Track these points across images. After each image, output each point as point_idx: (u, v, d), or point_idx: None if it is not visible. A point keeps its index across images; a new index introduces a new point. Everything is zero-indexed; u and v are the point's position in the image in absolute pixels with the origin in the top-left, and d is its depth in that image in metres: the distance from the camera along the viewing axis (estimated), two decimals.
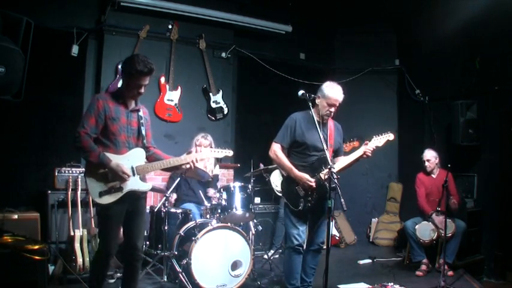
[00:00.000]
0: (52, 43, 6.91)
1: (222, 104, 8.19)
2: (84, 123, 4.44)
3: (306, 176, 5.18)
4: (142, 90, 4.63)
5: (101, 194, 4.46)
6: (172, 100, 7.75)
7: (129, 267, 4.75)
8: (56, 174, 6.40)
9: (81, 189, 6.31)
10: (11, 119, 6.64)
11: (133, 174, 4.59)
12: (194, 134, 7.01)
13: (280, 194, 7.41)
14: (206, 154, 5.02)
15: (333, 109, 5.28)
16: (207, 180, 6.58)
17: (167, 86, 7.74)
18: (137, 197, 4.66)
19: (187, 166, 4.78)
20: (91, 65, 7.33)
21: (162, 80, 7.73)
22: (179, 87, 7.82)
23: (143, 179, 4.68)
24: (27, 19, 5.16)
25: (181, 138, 7.63)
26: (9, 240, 4.80)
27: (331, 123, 5.46)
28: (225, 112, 8.22)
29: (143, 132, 4.70)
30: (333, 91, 5.28)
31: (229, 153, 5.14)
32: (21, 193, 6.64)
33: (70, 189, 6.27)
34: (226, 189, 6.13)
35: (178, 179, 6.13)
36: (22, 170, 6.73)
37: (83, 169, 5.19)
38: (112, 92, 4.80)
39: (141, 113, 4.73)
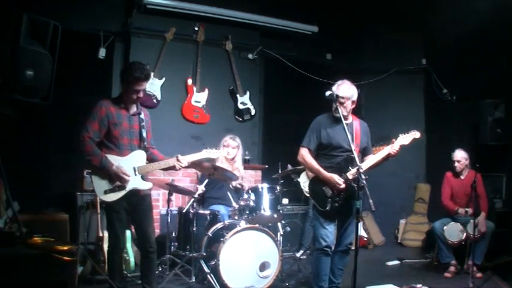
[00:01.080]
0: (79, 46, 6.95)
1: (249, 105, 8.16)
2: (88, 127, 4.67)
3: (334, 177, 5.12)
4: (141, 94, 4.83)
5: (105, 192, 4.70)
6: (199, 101, 7.74)
7: (145, 259, 4.96)
8: (84, 176, 6.45)
9: None
10: (40, 121, 6.70)
11: (135, 174, 4.80)
12: (221, 136, 7.02)
13: (308, 195, 7.35)
14: (196, 156, 5.19)
15: (343, 106, 5.18)
16: (237, 187, 6.66)
17: (194, 88, 7.74)
18: (141, 195, 4.87)
19: (178, 167, 4.99)
20: (118, 67, 7.34)
21: (189, 81, 7.74)
22: (206, 89, 7.81)
23: (145, 179, 4.88)
24: (55, 23, 5.18)
25: (208, 140, 7.58)
26: (39, 241, 4.78)
27: (356, 122, 5.39)
28: (252, 113, 8.18)
29: (144, 134, 4.88)
30: (337, 88, 5.23)
31: (223, 153, 5.55)
32: (50, 195, 6.69)
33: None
34: (254, 190, 6.13)
35: (207, 180, 6.06)
36: (51, 172, 6.79)
37: None
38: (114, 98, 5.03)
39: (142, 116, 4.92)
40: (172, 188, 6.19)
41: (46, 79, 5.12)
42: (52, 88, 5.15)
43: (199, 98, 7.76)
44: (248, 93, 8.18)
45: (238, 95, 8.09)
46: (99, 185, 4.69)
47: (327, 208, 5.16)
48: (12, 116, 5.65)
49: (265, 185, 6.15)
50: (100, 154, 4.65)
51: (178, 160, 4.98)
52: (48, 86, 5.18)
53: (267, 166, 7.98)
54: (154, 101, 7.45)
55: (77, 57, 6.96)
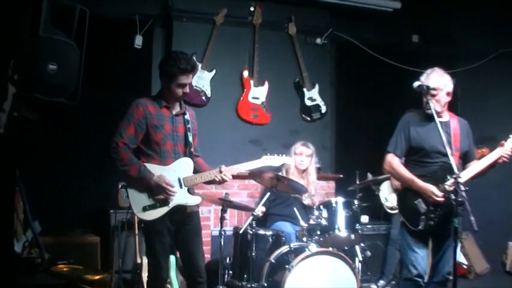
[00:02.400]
0: (111, 34, 7.01)
1: (319, 100, 8.09)
2: (122, 132, 4.68)
3: (430, 188, 4.93)
4: (187, 89, 4.86)
5: (145, 209, 4.66)
6: (258, 98, 7.73)
7: None
8: (120, 189, 6.45)
9: None
10: (65, 125, 6.78)
11: (181, 187, 4.79)
12: (286, 139, 7.10)
13: (390, 211, 7.35)
14: (252, 165, 5.14)
15: (435, 99, 5.04)
16: (309, 205, 6.63)
17: (251, 82, 7.72)
18: (188, 213, 4.86)
19: (218, 180, 4.94)
20: (158, 58, 7.27)
21: (245, 74, 7.73)
22: (266, 82, 7.80)
23: (192, 192, 4.88)
24: (81, 7, 5.14)
25: (270, 144, 7.58)
26: (65, 269, 4.81)
27: (454, 120, 5.23)
28: (323, 111, 8.11)
29: (190, 138, 4.90)
30: (426, 77, 5.11)
31: (288, 160, 5.42)
32: (78, 212, 6.81)
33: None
34: (327, 205, 6.09)
35: (269, 193, 6.00)
36: (79, 184, 6.90)
37: None
38: (152, 95, 5.06)
39: (187, 117, 4.95)
40: (226, 204, 6.06)
41: (72, 74, 5.08)
42: (80, 85, 5.12)
43: (258, 93, 7.74)
44: (317, 86, 8.10)
45: (305, 89, 8.03)
46: (137, 200, 4.67)
47: (420, 227, 4.98)
48: (32, 119, 5.67)
49: (340, 199, 6.11)
50: (138, 163, 4.65)
51: (221, 172, 4.91)
52: (75, 83, 5.14)
53: (341, 176, 7.94)
54: (203, 98, 7.45)
55: (109, 48, 7.01)
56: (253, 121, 7.72)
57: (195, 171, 4.92)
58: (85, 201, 6.82)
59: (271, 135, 7.73)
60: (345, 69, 8.69)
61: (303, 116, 8.07)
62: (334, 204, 6.04)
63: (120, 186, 6.45)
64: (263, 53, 7.81)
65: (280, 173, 6.33)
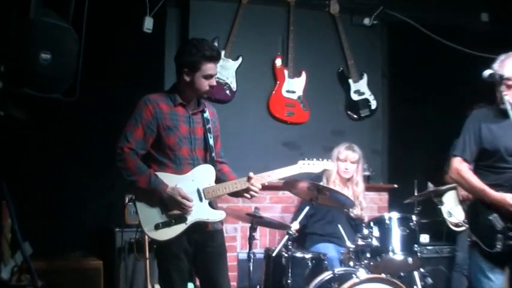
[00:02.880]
0: (116, 16, 7.05)
1: (368, 94, 8.12)
2: (128, 135, 4.69)
3: (508, 199, 4.87)
4: (214, 82, 4.86)
5: (157, 227, 4.61)
6: (294, 91, 7.76)
7: None
8: (127, 203, 6.47)
9: None
10: (62, 126, 6.83)
11: (201, 200, 4.75)
12: (327, 141, 7.12)
13: (456, 228, 7.32)
14: (285, 172, 5.08)
15: (510, 91, 4.97)
16: (354, 218, 6.65)
17: (285, 72, 7.75)
18: (209, 231, 4.83)
19: (250, 193, 4.91)
20: (173, 44, 7.43)
21: (278, 62, 7.75)
22: (303, 73, 7.82)
23: (214, 206, 4.85)
24: None
25: (308, 148, 7.61)
26: None
27: None
28: (373, 106, 8.15)
29: (211, 141, 4.89)
30: (500, 65, 5.03)
31: (330, 165, 5.38)
32: (76, 231, 6.83)
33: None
34: (379, 222, 6.05)
35: (308, 208, 5.96)
36: (78, 198, 6.91)
37: None
38: (165, 91, 5.08)
39: (206, 115, 4.95)
40: (256, 220, 6.03)
41: (69, 65, 5.07)
42: (78, 78, 5.12)
43: (294, 86, 7.75)
44: (366, 76, 8.14)
45: (351, 80, 8.05)
46: (148, 216, 4.64)
47: (497, 248, 4.90)
48: (21, 119, 5.70)
49: (395, 215, 6.05)
50: (148, 172, 4.62)
51: (249, 180, 4.85)
52: (73, 75, 5.14)
53: (396, 186, 7.95)
54: (227, 92, 7.47)
55: (113, 33, 7.07)
56: (288, 120, 7.73)
57: (219, 180, 4.90)
58: (85, 218, 6.84)
59: (309, 136, 7.76)
60: (400, 55, 8.66)
61: (349, 113, 8.09)
62: (387, 221, 5.99)
63: (127, 199, 6.48)
64: (299, 37, 7.82)
65: (321, 183, 6.27)
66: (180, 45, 7.20)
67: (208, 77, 4.75)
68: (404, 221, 6.01)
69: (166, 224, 4.62)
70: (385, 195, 8.11)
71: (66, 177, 6.82)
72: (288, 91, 7.73)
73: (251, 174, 4.83)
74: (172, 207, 4.64)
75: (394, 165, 8.47)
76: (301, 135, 7.78)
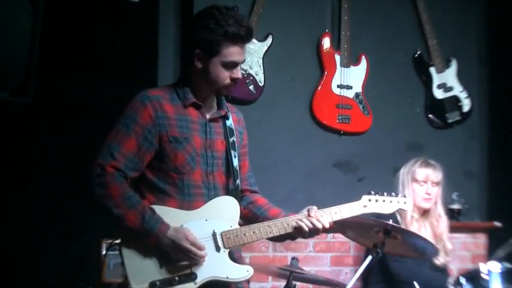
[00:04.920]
0: None
1: (458, 90, 8.16)
2: (114, 148, 4.47)
3: None
4: (239, 74, 4.68)
5: (152, 286, 4.41)
6: (349, 86, 7.80)
7: None
8: (104, 253, 6.46)
9: None
10: (9, 136, 6.81)
11: (218, 249, 4.55)
12: (399, 159, 7.10)
13: None
14: (350, 210, 4.86)
15: None
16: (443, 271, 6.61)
17: (337, 57, 7.76)
18: None
19: (306, 229, 4.62)
20: (169, 19, 7.46)
21: (326, 43, 7.77)
22: (363, 58, 7.86)
23: (236, 258, 4.66)
24: None
25: (371, 170, 7.67)
26: None
27: None
28: (465, 108, 8.16)
29: (235, 161, 4.76)
30: None
31: (408, 205, 5.10)
32: None
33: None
34: (472, 277, 6.12)
35: (369, 258, 5.90)
36: (32, 244, 6.91)
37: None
38: (170, 85, 4.89)
39: (230, 122, 4.84)
40: (294, 276, 6.06)
41: (20, 52, 5.11)
42: (33, 70, 5.12)
43: (350, 78, 7.78)
44: (454, 64, 8.15)
45: (433, 70, 8.08)
46: (140, 271, 4.44)
47: None
48: None
49: (497, 266, 6.04)
50: (140, 205, 4.43)
51: (309, 216, 4.67)
52: (27, 66, 5.16)
53: (499, 224, 7.91)
54: (251, 88, 7.46)
55: (86, 4, 7.08)
56: (342, 128, 7.73)
57: (254, 218, 4.80)
58: (43, 274, 6.82)
59: (372, 153, 7.79)
60: (507, 32, 8.56)
61: (430, 117, 8.11)
62: (485, 275, 6.00)
63: (105, 246, 6.49)
64: (357, 7, 7.85)
65: (390, 220, 6.20)
66: (187, 17, 7.27)
67: (231, 65, 4.57)
68: (509, 276, 6.00)
69: (166, 283, 4.42)
70: (482, 239, 8.13)
71: (15, 213, 6.83)
72: (340, 86, 7.72)
73: (314, 208, 4.67)
74: (175, 257, 4.45)
75: (495, 194, 8.38)
76: (360, 151, 7.80)
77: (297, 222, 4.61)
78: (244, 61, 4.72)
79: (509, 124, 8.41)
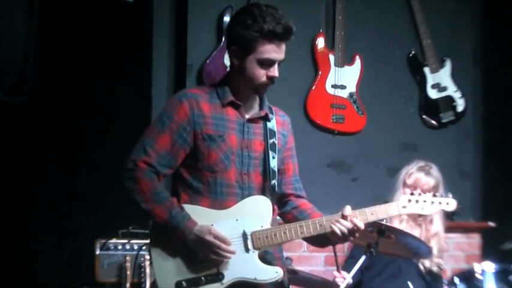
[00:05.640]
0: None
1: (452, 89, 8.21)
2: (147, 145, 4.46)
3: None
4: (276, 72, 4.57)
5: (178, 286, 4.38)
6: (343, 86, 7.83)
7: None
8: (98, 252, 6.46)
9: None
10: (6, 135, 6.82)
11: (247, 249, 4.47)
12: (393, 159, 7.22)
13: None
14: (386, 212, 4.74)
15: None
16: (435, 273, 6.58)
17: (331, 57, 7.80)
18: None
19: (338, 231, 4.49)
20: (163, 18, 7.49)
21: (320, 43, 7.81)
22: (357, 58, 7.89)
23: (268, 259, 4.58)
24: None
25: (365, 170, 7.70)
26: None
27: None
28: (460, 108, 8.21)
29: (273, 163, 4.65)
30: None
31: (450, 205, 4.87)
32: None
33: (129, 285, 6.30)
34: (466, 277, 6.16)
35: (363, 258, 5.91)
36: (26, 244, 6.92)
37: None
38: (214, 84, 4.81)
39: (272, 125, 4.74)
40: (288, 277, 6.04)
41: (15, 50, 5.14)
42: (29, 70, 5.15)
43: (344, 78, 7.82)
44: (449, 64, 8.19)
45: (427, 69, 8.13)
46: (166, 270, 4.45)
47: None
48: None
49: (490, 266, 6.09)
50: (169, 201, 4.43)
51: (344, 217, 4.52)
52: (21, 66, 5.19)
53: (492, 224, 7.96)
54: None
55: (81, 3, 7.08)
56: (335, 127, 7.76)
57: (298, 220, 4.70)
58: (37, 274, 6.81)
59: (366, 153, 7.81)
60: (502, 31, 8.61)
61: (424, 117, 8.15)
62: (478, 275, 6.04)
63: (99, 245, 6.45)
64: (352, 7, 7.86)
65: (383, 221, 6.21)
66: (181, 17, 7.34)
67: (267, 62, 4.50)
68: (503, 276, 6.03)
69: (192, 283, 4.38)
70: (476, 239, 8.18)
71: (10, 213, 6.82)
72: (334, 86, 7.75)
73: (348, 208, 4.54)
74: (202, 255, 4.42)
75: (490, 194, 8.44)
76: (354, 150, 7.82)
77: (329, 223, 4.54)
78: (283, 60, 4.59)
79: (503, 124, 8.49)
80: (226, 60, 7.07)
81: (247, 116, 4.63)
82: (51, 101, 6.62)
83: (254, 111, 4.68)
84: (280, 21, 4.44)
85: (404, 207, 4.73)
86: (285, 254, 6.26)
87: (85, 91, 6.96)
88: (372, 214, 4.60)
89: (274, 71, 4.51)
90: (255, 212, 4.55)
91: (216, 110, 4.55)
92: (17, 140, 6.86)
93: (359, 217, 4.54)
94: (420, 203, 4.76)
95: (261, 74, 4.50)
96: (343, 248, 7.25)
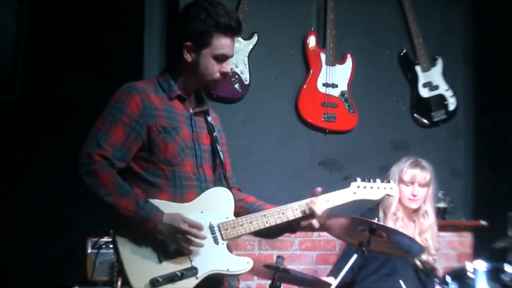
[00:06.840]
0: None
1: (444, 88, 8.20)
2: (100, 138, 4.31)
3: None
4: (229, 68, 4.64)
5: (154, 284, 4.25)
6: (335, 85, 7.83)
7: None
8: (90, 251, 6.48)
9: None
10: None
11: (216, 241, 4.43)
12: (384, 158, 7.22)
13: None
14: (339, 197, 4.76)
15: None
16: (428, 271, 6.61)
17: (322, 56, 7.80)
18: None
19: (305, 223, 4.57)
20: (155, 17, 7.47)
21: (311, 41, 7.81)
22: (349, 57, 7.90)
23: (232, 251, 4.54)
24: None
25: (356, 168, 7.62)
26: None
27: None
28: (451, 107, 8.22)
29: (221, 155, 4.69)
30: None
31: (394, 191, 5.02)
32: None
33: (121, 284, 6.26)
34: (458, 275, 6.16)
35: (354, 256, 5.93)
36: (16, 242, 6.94)
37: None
38: (154, 79, 4.74)
39: (210, 119, 4.77)
40: (279, 275, 6.09)
41: (6, 50, 5.16)
42: (19, 68, 5.17)
43: (335, 76, 7.82)
44: (440, 62, 8.20)
45: (418, 68, 8.13)
46: (139, 266, 4.25)
47: None
48: None
49: (482, 265, 6.09)
50: (133, 192, 4.28)
51: (313, 204, 4.56)
52: (11, 65, 5.21)
53: (484, 223, 7.95)
54: (236, 86, 7.48)
55: (72, 5, 7.07)
56: (327, 126, 7.75)
57: (241, 215, 4.61)
58: (28, 274, 6.84)
59: (357, 151, 7.83)
60: (492, 30, 8.60)
61: (416, 116, 8.16)
62: (471, 274, 6.03)
63: (91, 244, 6.47)
64: (343, 5, 7.88)
65: (376, 220, 6.22)
66: (173, 15, 7.30)
67: (221, 58, 4.49)
68: (494, 274, 6.03)
69: (168, 279, 4.21)
70: (468, 237, 8.17)
71: (0, 212, 6.85)
72: (326, 85, 7.75)
73: (318, 191, 4.60)
74: (174, 247, 4.28)
75: (481, 193, 8.43)
76: (345, 149, 7.83)
77: (292, 210, 4.54)
78: (233, 56, 4.63)
79: (494, 123, 8.46)
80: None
81: (191, 110, 4.62)
82: (42, 99, 6.62)
83: (196, 103, 4.70)
84: (233, 16, 4.49)
85: (354, 193, 4.79)
86: (277, 253, 6.32)
87: (75, 90, 6.96)
88: (328, 201, 4.62)
89: (227, 67, 4.54)
90: (218, 204, 4.52)
91: (165, 103, 4.51)
92: (7, 139, 6.86)
93: (317, 203, 4.55)
94: (368, 188, 4.87)
95: (215, 70, 4.51)
96: (335, 247, 7.35)
